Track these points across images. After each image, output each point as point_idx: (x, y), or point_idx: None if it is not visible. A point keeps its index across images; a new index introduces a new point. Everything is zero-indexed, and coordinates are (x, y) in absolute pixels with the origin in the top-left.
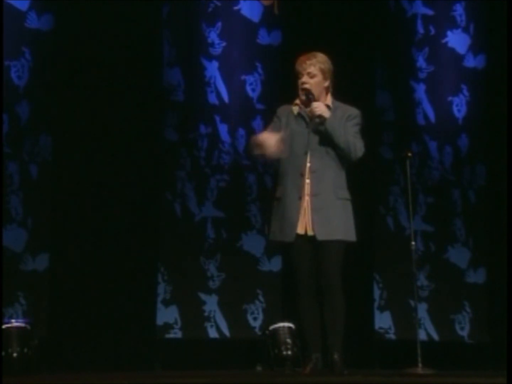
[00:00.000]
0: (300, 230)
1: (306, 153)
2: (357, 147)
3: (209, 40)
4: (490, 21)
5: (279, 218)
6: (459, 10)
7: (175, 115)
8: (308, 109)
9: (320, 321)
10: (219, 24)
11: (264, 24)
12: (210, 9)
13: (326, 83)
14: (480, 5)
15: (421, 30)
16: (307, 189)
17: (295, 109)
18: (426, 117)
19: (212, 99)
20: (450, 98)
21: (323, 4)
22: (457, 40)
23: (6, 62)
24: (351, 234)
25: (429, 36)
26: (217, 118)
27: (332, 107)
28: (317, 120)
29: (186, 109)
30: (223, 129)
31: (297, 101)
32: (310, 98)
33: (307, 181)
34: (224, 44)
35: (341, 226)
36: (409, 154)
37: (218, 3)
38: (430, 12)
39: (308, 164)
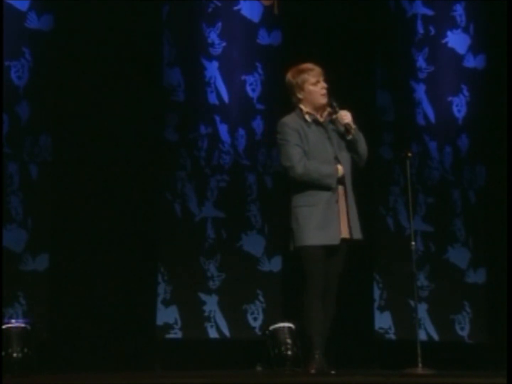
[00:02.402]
0: (344, 234)
1: (336, 158)
2: (367, 150)
3: (209, 40)
4: (490, 21)
5: (317, 223)
6: (459, 10)
7: (175, 115)
8: (323, 114)
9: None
10: (219, 24)
11: (264, 24)
12: (210, 9)
13: None
14: (480, 5)
15: (421, 30)
16: (341, 192)
17: (308, 117)
18: (426, 117)
19: (212, 99)
20: (450, 98)
21: (323, 4)
22: (457, 40)
23: (6, 62)
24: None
25: (429, 36)
26: (217, 118)
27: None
28: (341, 128)
29: (186, 109)
30: (223, 129)
31: (305, 110)
32: (333, 105)
33: (341, 184)
34: (224, 44)
35: (359, 227)
36: (409, 154)
37: (218, 3)
38: (430, 12)
39: (341, 167)
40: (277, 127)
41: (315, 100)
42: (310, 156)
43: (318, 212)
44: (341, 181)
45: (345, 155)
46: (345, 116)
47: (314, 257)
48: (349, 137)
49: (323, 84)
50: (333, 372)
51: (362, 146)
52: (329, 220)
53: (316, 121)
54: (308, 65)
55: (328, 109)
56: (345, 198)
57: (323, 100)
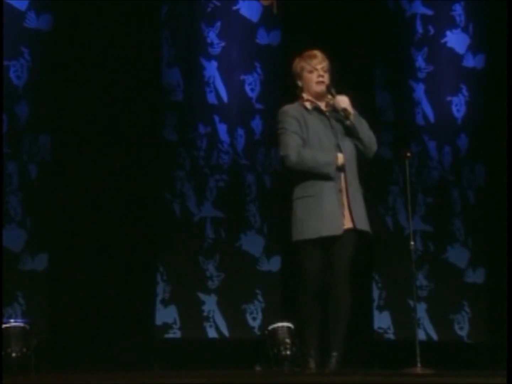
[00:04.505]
0: (347, 224)
1: (337, 146)
2: (375, 141)
3: (208, 40)
4: (489, 21)
5: (316, 214)
6: (458, 10)
7: (174, 115)
8: (323, 103)
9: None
10: (218, 24)
11: (263, 24)
12: (209, 9)
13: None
14: (479, 5)
15: (420, 30)
16: (344, 181)
17: (308, 104)
18: (425, 117)
19: (211, 99)
20: (449, 98)
21: (322, 3)
22: (456, 40)
23: (5, 62)
24: (369, 225)
25: (428, 36)
26: (216, 118)
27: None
28: (341, 113)
29: (185, 109)
30: (222, 129)
31: (306, 97)
32: (331, 91)
33: (343, 173)
34: (223, 44)
35: (366, 219)
36: (408, 154)
37: (217, 3)
38: (429, 12)
39: (341, 155)
40: (277, 116)
41: (311, 88)
42: (309, 145)
43: (318, 202)
44: (342, 170)
45: (348, 144)
46: (342, 101)
47: (310, 252)
48: (347, 122)
49: (319, 72)
50: (327, 371)
51: (366, 133)
52: (331, 211)
53: (317, 109)
54: (310, 53)
55: (328, 97)
56: (345, 188)
57: (318, 88)
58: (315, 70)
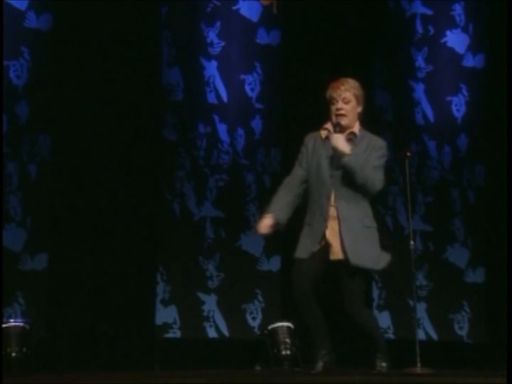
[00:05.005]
0: (335, 256)
1: (331, 177)
2: (375, 181)
3: (208, 40)
4: (489, 20)
5: (305, 239)
6: (458, 10)
7: (174, 115)
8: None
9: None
10: (218, 24)
11: (263, 24)
12: (209, 9)
13: (359, 109)
14: (479, 5)
15: (420, 29)
16: (332, 212)
17: (323, 133)
18: (425, 116)
19: (211, 98)
20: (449, 98)
21: (321, 4)
22: (456, 40)
23: (5, 62)
24: (378, 262)
25: (428, 35)
26: (216, 118)
27: (358, 136)
28: (337, 152)
29: (185, 108)
30: (222, 129)
31: (327, 126)
32: (336, 129)
33: (333, 204)
34: (223, 43)
35: (370, 254)
36: (408, 154)
37: (217, 3)
38: (429, 12)
39: (332, 188)
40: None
41: (332, 118)
42: (310, 171)
43: (307, 229)
44: (334, 200)
45: (344, 178)
46: (335, 139)
47: (295, 266)
48: (342, 161)
49: (339, 105)
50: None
51: (359, 175)
52: (308, 236)
53: (328, 138)
54: (337, 82)
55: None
56: (338, 221)
57: (335, 120)
58: (337, 102)
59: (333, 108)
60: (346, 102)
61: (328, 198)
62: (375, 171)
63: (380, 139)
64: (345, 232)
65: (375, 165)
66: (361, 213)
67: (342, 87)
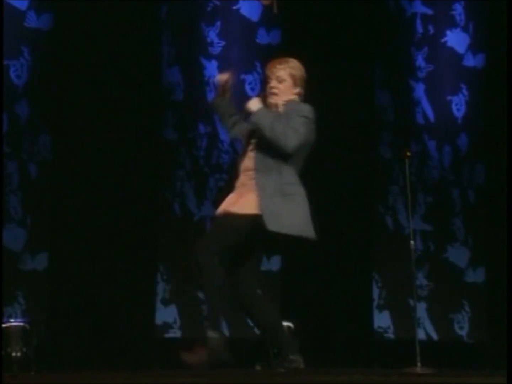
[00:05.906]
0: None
1: (250, 144)
2: (287, 136)
3: (208, 40)
4: (490, 20)
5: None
6: (458, 10)
7: (175, 115)
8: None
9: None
10: (218, 23)
11: (263, 24)
12: (209, 9)
13: (296, 90)
14: (479, 4)
15: (420, 29)
16: (251, 181)
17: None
18: (425, 116)
19: (211, 98)
20: (449, 98)
21: (322, 3)
22: (456, 40)
23: (5, 62)
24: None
25: (428, 35)
26: (216, 118)
27: (286, 104)
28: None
29: (185, 108)
30: (222, 129)
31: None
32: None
33: (251, 173)
34: (223, 43)
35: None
36: (408, 154)
37: (217, 3)
38: (429, 12)
39: (252, 157)
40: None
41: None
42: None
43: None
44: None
45: (265, 147)
46: (249, 102)
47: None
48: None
49: (272, 83)
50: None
51: (266, 128)
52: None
53: None
54: (274, 60)
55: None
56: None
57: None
58: (270, 80)
59: (268, 86)
60: (280, 81)
61: (248, 169)
62: (291, 127)
63: (305, 105)
64: (261, 190)
65: (295, 122)
66: (280, 180)
67: (278, 66)
